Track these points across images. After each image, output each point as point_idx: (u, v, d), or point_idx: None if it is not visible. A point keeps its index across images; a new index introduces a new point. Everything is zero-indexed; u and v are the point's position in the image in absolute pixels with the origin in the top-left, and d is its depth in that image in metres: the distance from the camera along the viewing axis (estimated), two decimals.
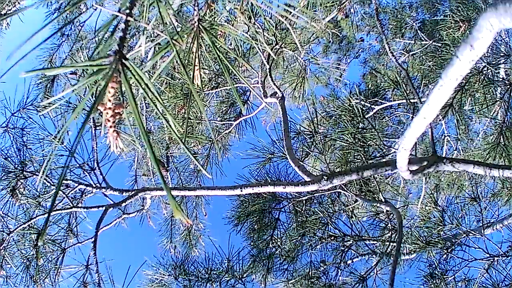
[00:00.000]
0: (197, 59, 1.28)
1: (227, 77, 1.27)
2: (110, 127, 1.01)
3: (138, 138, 5.16)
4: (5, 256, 4.77)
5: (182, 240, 6.85)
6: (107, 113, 0.99)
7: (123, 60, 0.98)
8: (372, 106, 5.58)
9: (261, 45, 5.02)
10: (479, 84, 4.51)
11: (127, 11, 1.05)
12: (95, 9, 4.58)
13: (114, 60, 0.97)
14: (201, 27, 1.25)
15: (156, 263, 5.44)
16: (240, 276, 5.19)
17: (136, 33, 5.10)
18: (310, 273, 4.98)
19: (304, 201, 5.13)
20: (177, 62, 1.09)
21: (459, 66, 1.50)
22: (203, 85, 5.53)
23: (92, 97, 0.98)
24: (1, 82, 4.59)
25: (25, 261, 4.84)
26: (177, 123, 1.09)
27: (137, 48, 1.30)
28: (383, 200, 4.50)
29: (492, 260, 4.41)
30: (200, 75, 1.33)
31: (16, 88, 4.87)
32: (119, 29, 1.04)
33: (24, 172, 4.71)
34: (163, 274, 5.35)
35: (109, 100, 0.98)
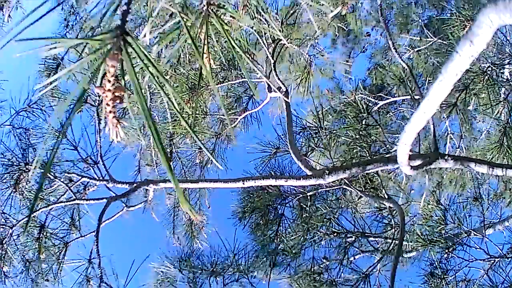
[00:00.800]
0: (205, 46, 1.23)
1: (239, 62, 1.23)
2: (110, 112, 0.92)
3: (142, 128, 5.17)
4: (8, 250, 4.78)
5: (184, 231, 6.86)
6: (106, 96, 0.90)
7: (125, 36, 0.90)
8: (377, 101, 5.58)
9: (266, 40, 5.02)
10: (484, 84, 4.51)
11: None
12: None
13: (115, 35, 0.89)
14: (210, 10, 1.21)
15: (160, 256, 5.46)
16: (245, 270, 5.21)
17: (142, 23, 5.10)
18: (312, 269, 4.98)
19: (308, 197, 5.14)
20: (187, 43, 1.02)
21: (459, 61, 1.50)
22: (208, 79, 5.51)
23: (91, 73, 0.90)
24: (5, 80, 4.61)
25: (27, 255, 4.85)
26: (183, 117, 1.04)
27: (141, 36, 1.23)
28: (386, 196, 4.50)
29: (493, 262, 4.40)
30: (210, 63, 1.28)
31: (22, 87, 4.89)
32: (122, 2, 0.95)
33: (27, 166, 4.71)
34: (168, 267, 5.38)
35: (109, 81, 0.89)
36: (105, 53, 0.88)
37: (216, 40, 1.29)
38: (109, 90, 0.90)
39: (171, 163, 5.82)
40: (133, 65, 0.90)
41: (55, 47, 0.95)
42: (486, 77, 4.51)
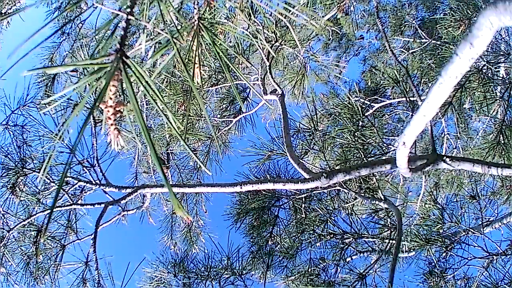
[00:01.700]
0: (197, 57, 1.29)
1: (227, 75, 1.27)
2: (111, 125, 1.02)
3: (139, 135, 5.16)
4: (5, 253, 4.77)
5: (182, 237, 6.86)
6: (108, 111, 1.00)
7: (124, 58, 0.98)
8: (372, 104, 5.58)
9: (261, 43, 5.02)
10: (479, 82, 4.51)
11: (128, 9, 1.05)
12: (96, 8, 4.58)
13: (116, 59, 0.98)
14: (201, 25, 1.25)
15: (156, 261, 5.45)
16: (240, 273, 5.20)
17: (137, 31, 5.10)
18: (310, 270, 4.98)
19: (303, 198, 5.13)
20: (177, 60, 1.09)
21: (459, 64, 1.50)
22: (203, 82, 5.52)
23: (93, 95, 0.99)
24: (2, 79, 4.60)
25: (25, 258, 4.84)
26: (177, 120, 1.09)
27: (137, 46, 1.30)
28: (382, 198, 4.50)
29: (491, 259, 4.41)
30: (200, 73, 1.33)
31: (16, 86, 4.88)
32: (120, 27, 1.04)
33: (24, 169, 4.70)
34: (163, 272, 5.36)
35: (110, 98, 0.99)
36: (110, 76, 0.96)
37: (209, 49, 1.32)
38: (110, 106, 1.00)
39: (165, 168, 5.82)
40: (132, 84, 0.99)
41: (62, 68, 1.03)
42: (482, 75, 4.52)
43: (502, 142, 4.66)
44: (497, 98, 4.72)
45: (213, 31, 1.31)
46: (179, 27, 1.28)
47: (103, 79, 0.97)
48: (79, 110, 0.97)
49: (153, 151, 0.95)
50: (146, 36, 1.29)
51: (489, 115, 4.90)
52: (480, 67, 4.54)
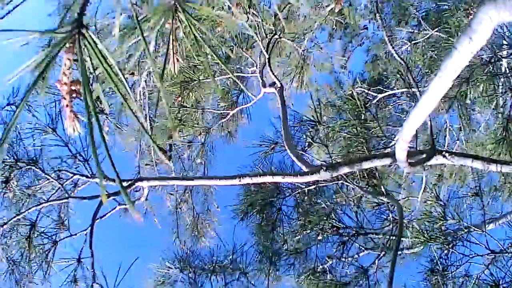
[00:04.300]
0: (173, 42, 1.19)
1: (205, 66, 1.20)
2: (67, 106, 0.91)
3: (140, 130, 5.11)
4: None
5: (190, 231, 6.85)
6: (63, 89, 0.90)
7: (81, 29, 0.89)
8: (376, 95, 5.53)
9: (260, 34, 4.96)
10: (482, 76, 4.46)
11: None
12: None
13: (72, 29, 0.88)
14: (178, 5, 1.14)
15: (162, 257, 5.44)
16: (244, 269, 5.20)
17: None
18: (315, 267, 4.96)
19: (306, 192, 5.11)
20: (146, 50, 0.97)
21: (458, 58, 1.50)
22: (199, 74, 5.43)
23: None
24: None
25: (16, 254, 4.78)
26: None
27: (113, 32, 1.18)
28: (384, 192, 4.46)
29: (493, 257, 4.36)
30: (176, 62, 1.23)
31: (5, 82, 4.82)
32: None
33: (18, 163, 4.64)
34: (169, 267, 5.36)
35: (64, 74, 0.89)
36: (60, 46, 0.87)
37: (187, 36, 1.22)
38: (65, 83, 0.89)
39: (167, 159, 5.78)
40: (85, 59, 0.88)
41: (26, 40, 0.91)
42: (485, 69, 4.47)
43: (508, 137, 4.60)
44: (502, 93, 4.66)
45: (191, 15, 1.20)
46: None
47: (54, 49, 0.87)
48: (31, 91, 0.86)
49: (152, 140, 0.88)
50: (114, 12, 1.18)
51: (492, 108, 4.84)
52: (484, 60, 4.48)
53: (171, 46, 1.19)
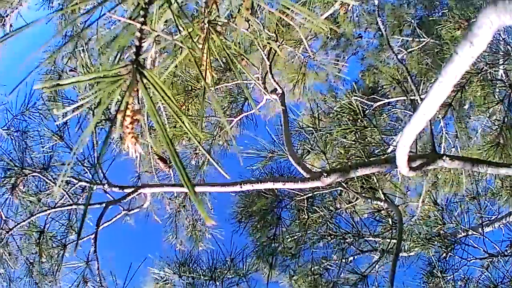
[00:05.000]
0: (208, 59, 1.30)
1: (236, 73, 1.28)
2: (129, 133, 1.02)
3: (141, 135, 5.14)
4: (4, 253, 4.76)
5: (189, 235, 6.88)
6: (125, 120, 1.01)
7: (140, 69, 0.99)
8: (371, 103, 5.58)
9: (261, 42, 5.01)
10: (478, 83, 4.52)
11: (141, 19, 1.04)
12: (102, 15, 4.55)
13: (132, 69, 0.98)
14: (211, 28, 1.26)
15: (160, 261, 5.46)
16: (244, 274, 5.21)
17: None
18: (312, 270, 4.98)
19: (306, 199, 5.14)
20: (190, 61, 1.09)
21: (459, 62, 1.50)
22: (203, 83, 5.48)
23: (107, 105, 0.99)
24: (3, 85, 4.62)
25: (27, 259, 4.82)
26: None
27: (148, 54, 1.29)
28: (382, 197, 4.50)
29: (491, 259, 4.41)
30: (212, 75, 1.34)
31: (18, 92, 4.88)
32: (134, 37, 1.04)
33: (24, 170, 4.69)
34: (167, 272, 5.36)
35: (128, 108, 0.99)
36: (129, 87, 0.97)
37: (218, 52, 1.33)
38: (128, 115, 1.01)
39: (167, 167, 5.81)
40: (150, 95, 1.00)
41: (76, 82, 1.03)
42: (481, 76, 4.53)
43: (502, 143, 4.65)
44: (497, 101, 4.71)
45: (221, 34, 1.33)
46: (186, 32, 1.27)
47: (118, 88, 0.98)
48: (97, 120, 0.97)
49: (174, 152, 0.97)
50: (153, 43, 1.28)
51: (489, 116, 4.90)
52: (481, 68, 4.54)
53: (206, 60, 1.29)
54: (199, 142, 1.11)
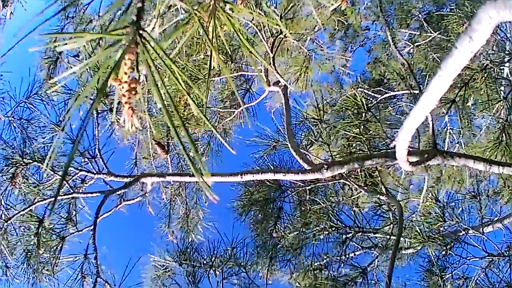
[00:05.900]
0: (214, 39, 1.26)
1: (245, 52, 1.25)
2: (126, 103, 0.96)
3: (140, 121, 5.13)
4: (2, 244, 4.75)
5: (180, 225, 6.86)
6: (122, 87, 0.95)
7: (141, 31, 0.95)
8: (376, 96, 5.55)
9: (265, 33, 5.00)
10: (482, 81, 4.48)
11: None
12: None
13: (132, 31, 0.94)
14: (217, 5, 1.23)
15: (160, 250, 5.47)
16: (244, 264, 5.22)
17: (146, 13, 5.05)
18: (312, 264, 4.98)
19: (307, 191, 5.13)
20: (199, 33, 1.04)
21: (458, 57, 1.51)
22: (204, 72, 5.47)
23: (106, 68, 0.93)
24: (7, 72, 4.61)
25: (25, 250, 4.81)
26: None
27: (150, 29, 1.25)
28: (384, 191, 4.48)
29: (490, 260, 4.39)
30: (217, 55, 1.30)
31: (22, 80, 4.88)
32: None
33: (24, 159, 4.68)
34: (168, 260, 5.38)
35: (125, 73, 0.94)
36: (125, 47, 0.92)
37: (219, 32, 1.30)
38: (125, 82, 0.95)
39: (164, 154, 5.80)
40: (151, 57, 0.94)
41: (74, 42, 1.00)
42: (486, 74, 4.49)
43: (505, 141, 4.62)
44: (501, 99, 4.67)
45: (228, 13, 1.28)
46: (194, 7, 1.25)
47: (117, 52, 0.92)
48: (92, 87, 0.92)
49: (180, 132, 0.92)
50: (157, 17, 1.25)
51: (492, 114, 4.86)
52: (484, 66, 4.50)
53: (211, 43, 1.26)
54: (205, 116, 1.07)
